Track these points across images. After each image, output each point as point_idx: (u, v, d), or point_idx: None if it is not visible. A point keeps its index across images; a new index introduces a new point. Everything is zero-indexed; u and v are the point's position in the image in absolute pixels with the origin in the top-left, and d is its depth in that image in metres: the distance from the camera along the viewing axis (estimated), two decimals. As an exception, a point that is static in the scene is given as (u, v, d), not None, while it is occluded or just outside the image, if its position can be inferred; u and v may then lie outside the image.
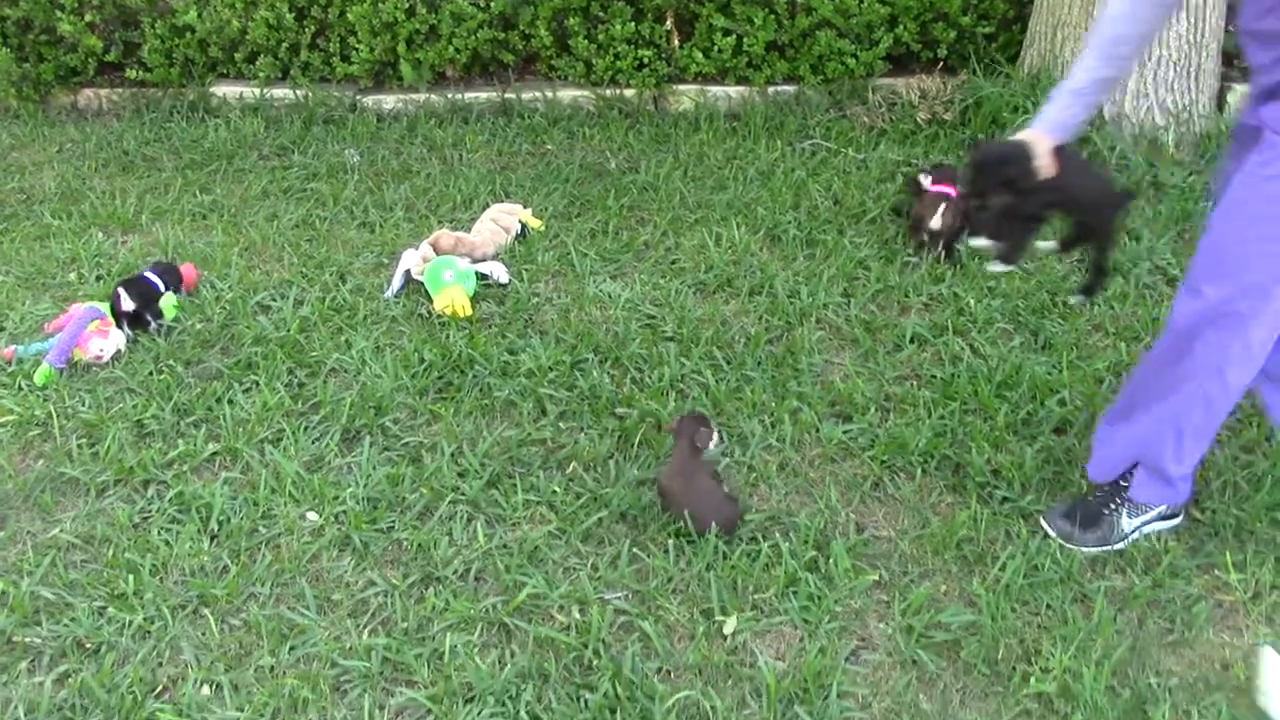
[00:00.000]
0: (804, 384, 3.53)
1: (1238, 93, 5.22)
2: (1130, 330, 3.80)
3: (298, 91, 6.04)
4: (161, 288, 3.91)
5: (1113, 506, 2.94)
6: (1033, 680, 2.52)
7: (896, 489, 3.13)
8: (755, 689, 2.53)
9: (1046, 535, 2.92)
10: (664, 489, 2.96)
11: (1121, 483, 2.96)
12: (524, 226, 4.48)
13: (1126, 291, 4.02)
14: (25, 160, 5.58)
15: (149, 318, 3.82)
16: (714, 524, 2.88)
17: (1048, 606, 2.72)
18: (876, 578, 2.83)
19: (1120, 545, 2.92)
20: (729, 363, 3.64)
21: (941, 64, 5.73)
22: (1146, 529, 2.96)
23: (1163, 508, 2.95)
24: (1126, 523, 2.93)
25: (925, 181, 4.41)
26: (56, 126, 6.05)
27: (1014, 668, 2.57)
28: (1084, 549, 2.90)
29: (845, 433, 3.32)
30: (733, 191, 4.87)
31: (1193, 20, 4.93)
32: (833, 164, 5.13)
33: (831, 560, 2.85)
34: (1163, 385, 2.74)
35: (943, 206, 4.17)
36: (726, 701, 2.49)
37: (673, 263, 4.30)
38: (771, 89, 5.78)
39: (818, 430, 3.34)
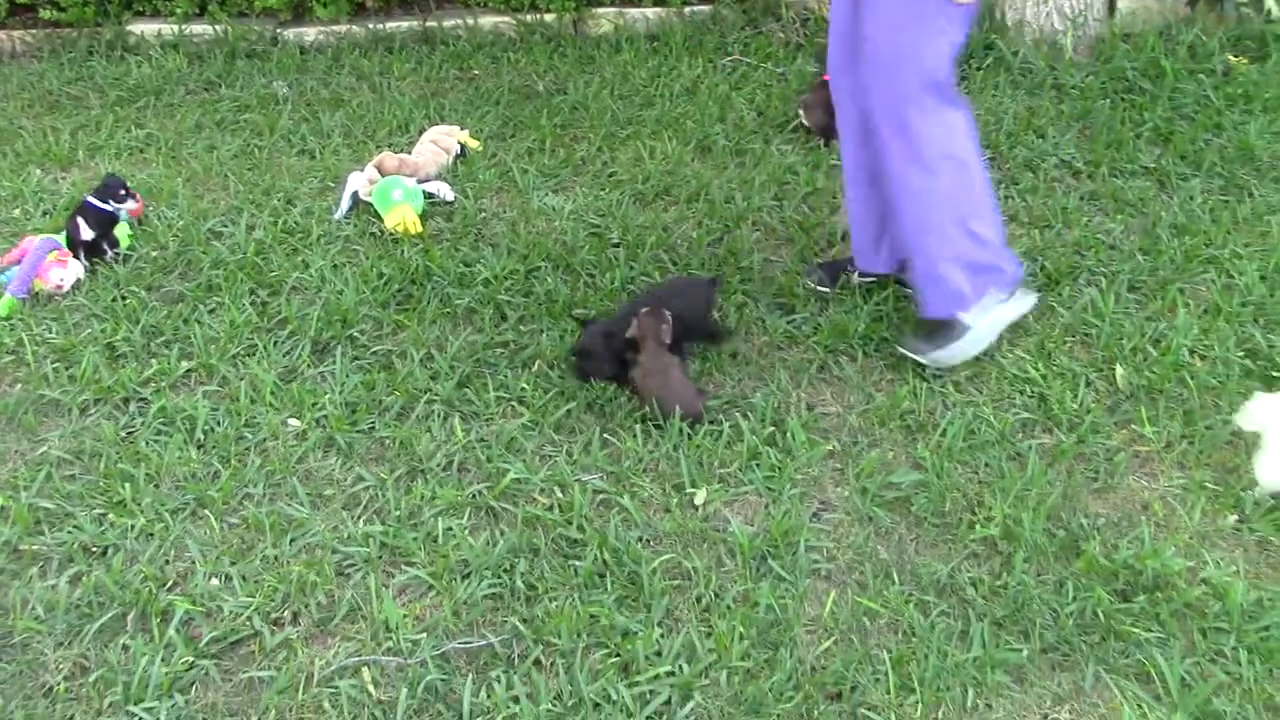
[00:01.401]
0: (747, 281, 3.75)
1: (1130, -2, 5.52)
2: (1042, 219, 4.08)
3: (217, 27, 6.04)
4: (116, 213, 3.98)
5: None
6: (978, 527, 2.79)
7: (841, 370, 3.37)
8: (730, 550, 2.76)
9: (974, 403, 3.19)
10: (640, 388, 3.15)
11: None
12: (463, 147, 4.61)
13: (1036, 185, 4.30)
14: (-53, 104, 5.53)
15: (106, 246, 3.89)
16: (679, 409, 3.10)
17: (986, 464, 2.99)
18: (830, 448, 3.07)
19: (973, 340, 3.32)
20: (674, 265, 3.85)
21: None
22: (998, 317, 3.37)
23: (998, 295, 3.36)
24: (969, 319, 3.32)
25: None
26: (-29, 70, 5.98)
27: (960, 518, 2.83)
28: (937, 355, 3.31)
29: (789, 322, 3.55)
30: (660, 108, 5.05)
31: (1087, -72, 5.20)
32: (753, 78, 5.33)
33: (788, 435, 3.08)
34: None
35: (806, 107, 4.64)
36: (706, 561, 2.72)
37: (610, 175, 4.48)
38: (688, 9, 5.93)
39: (764, 322, 3.56)
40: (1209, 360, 3.35)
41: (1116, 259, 3.83)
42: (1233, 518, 2.84)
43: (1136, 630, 2.50)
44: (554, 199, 4.29)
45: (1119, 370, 3.30)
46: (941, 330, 3.31)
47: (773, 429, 3.12)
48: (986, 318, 3.33)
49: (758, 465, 3.00)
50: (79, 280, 3.81)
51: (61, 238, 3.86)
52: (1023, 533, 2.75)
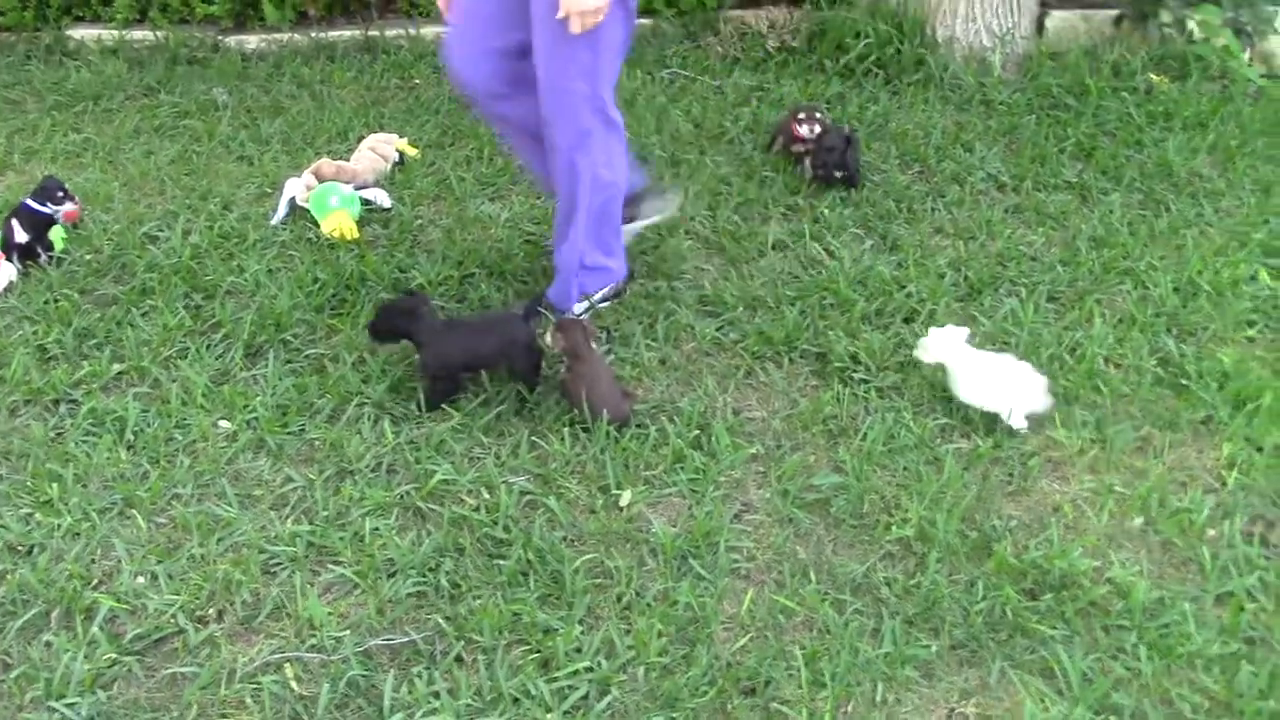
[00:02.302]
0: (677, 288, 3.83)
1: (1055, 18, 5.67)
2: (968, 231, 4.19)
3: (157, 33, 6.03)
4: (53, 216, 3.99)
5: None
6: (893, 528, 2.87)
7: (767, 376, 3.44)
8: (652, 550, 2.82)
9: (895, 409, 3.28)
10: (570, 391, 3.21)
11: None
12: (401, 155, 4.65)
13: (963, 198, 4.42)
14: (-121, 106, 5.48)
15: (39, 249, 3.90)
16: (605, 413, 3.15)
17: (904, 468, 3.08)
18: (754, 451, 3.14)
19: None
20: (607, 272, 3.91)
21: (788, -4, 6.06)
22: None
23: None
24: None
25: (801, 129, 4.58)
26: (-93, 72, 5.93)
27: (877, 519, 2.91)
28: None
29: (717, 329, 3.63)
30: (598, 118, 5.11)
31: (1015, -51, 5.35)
32: (691, 90, 5.41)
33: (713, 438, 3.15)
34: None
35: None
36: (628, 561, 2.78)
37: (527, 185, 4.55)
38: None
39: (693, 328, 3.63)
40: (1123, 368, 3.46)
41: (1037, 270, 3.95)
42: (1139, 520, 2.94)
43: (1042, 628, 2.59)
44: (490, 207, 4.34)
45: (1036, 377, 3.40)
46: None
47: (698, 432, 3.18)
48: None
49: (682, 468, 3.06)
50: (11, 283, 3.80)
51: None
52: (937, 534, 2.83)
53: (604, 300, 3.70)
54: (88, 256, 3.99)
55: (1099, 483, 3.05)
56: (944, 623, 2.61)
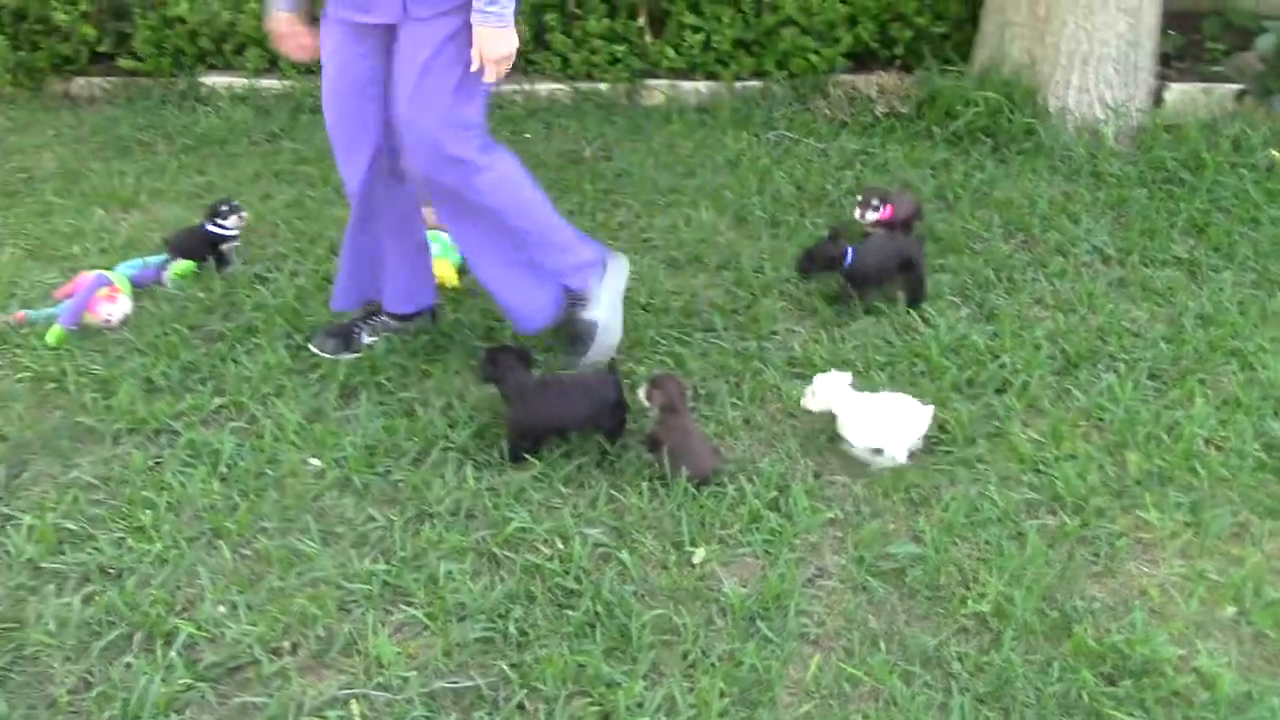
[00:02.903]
0: (766, 348, 3.83)
1: (1175, 90, 5.57)
2: (1068, 303, 4.12)
3: (285, 82, 6.28)
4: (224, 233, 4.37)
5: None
6: (970, 602, 2.81)
7: (851, 441, 3.42)
8: (721, 609, 2.81)
9: (980, 480, 3.22)
10: (657, 443, 3.23)
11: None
12: (506, 206, 4.75)
13: (1065, 269, 4.35)
14: (24, 143, 5.78)
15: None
16: (685, 469, 3.16)
17: (985, 542, 3.02)
18: (832, 516, 3.11)
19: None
20: (698, 329, 3.93)
21: (899, 61, 6.06)
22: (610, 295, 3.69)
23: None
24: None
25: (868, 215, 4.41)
26: (51, 112, 6.25)
27: (953, 592, 2.86)
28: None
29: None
30: (702, 178, 5.18)
31: (1132, 20, 5.27)
32: (795, 153, 5.45)
33: (791, 500, 3.14)
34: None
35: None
36: (696, 619, 2.77)
37: (645, 240, 4.60)
38: (739, 84, 6.09)
39: (779, 389, 3.63)
40: (1224, 451, 3.36)
41: (1139, 346, 3.86)
42: (1231, 609, 2.83)
43: (1119, 714, 2.51)
44: (588, 261, 4.40)
45: (1130, 456, 3.32)
46: (579, 337, 3.68)
47: (776, 494, 3.17)
48: (602, 306, 3.68)
49: (757, 528, 3.05)
50: (126, 316, 3.97)
51: (114, 275, 4.03)
52: (1015, 610, 2.76)
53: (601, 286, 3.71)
54: (200, 294, 4.15)
55: (1190, 568, 2.95)
56: (1015, 702, 2.55)
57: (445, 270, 4.17)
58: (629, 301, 4.08)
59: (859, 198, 4.44)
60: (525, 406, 3.30)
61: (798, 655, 2.69)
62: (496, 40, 3.15)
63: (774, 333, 3.92)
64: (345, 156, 3.49)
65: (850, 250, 3.98)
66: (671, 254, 4.46)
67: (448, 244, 4.26)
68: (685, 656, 2.67)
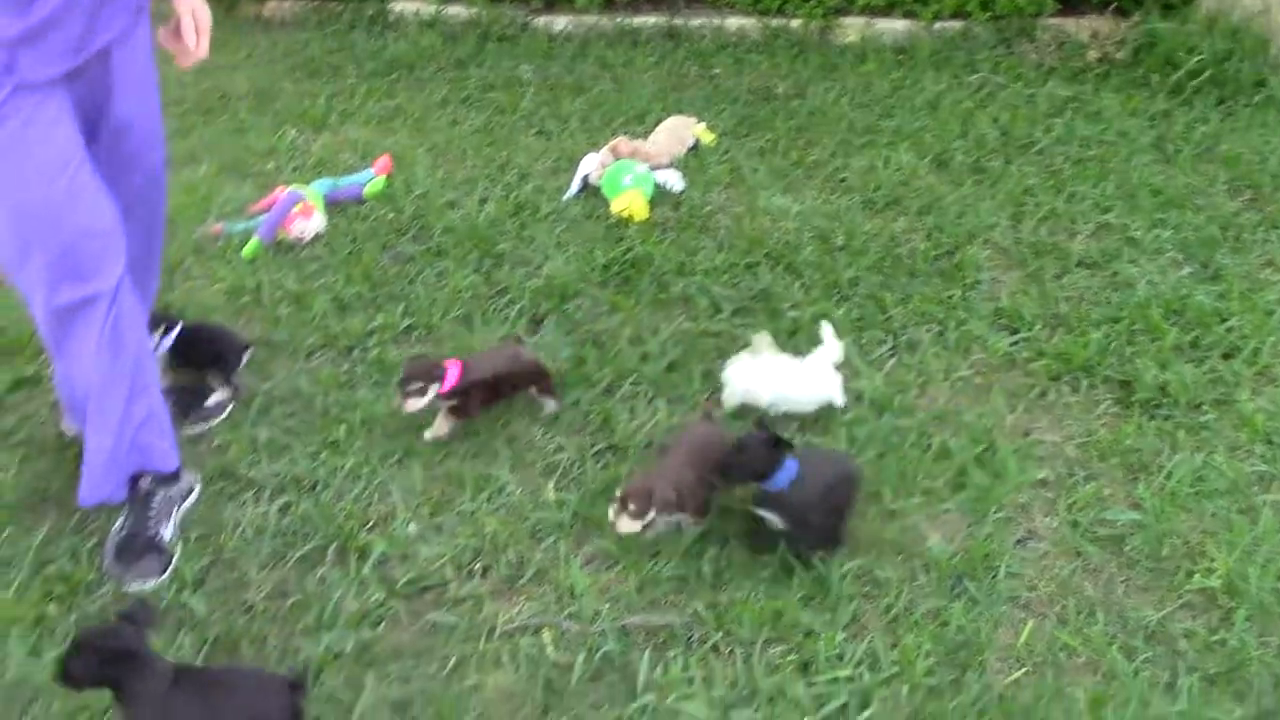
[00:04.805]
0: (970, 298, 3.63)
1: None
2: (1304, 266, 3.82)
3: (472, 10, 6.25)
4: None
5: (149, 522, 2.71)
6: (1196, 577, 2.61)
7: (1062, 399, 3.21)
8: (925, 565, 2.66)
9: (1206, 448, 2.99)
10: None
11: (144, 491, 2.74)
12: (697, 140, 4.63)
13: (1303, 231, 4.03)
14: (219, 63, 5.86)
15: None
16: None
17: (1212, 514, 2.80)
18: (1043, 476, 2.93)
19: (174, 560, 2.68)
20: (897, 274, 3.76)
21: (1113, 5, 5.69)
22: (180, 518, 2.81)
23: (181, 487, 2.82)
24: (169, 530, 2.74)
25: None
26: (245, 34, 6.35)
27: (1178, 565, 2.65)
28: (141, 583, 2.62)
29: (1011, 344, 3.42)
30: (900, 119, 4.96)
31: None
32: (1000, 98, 5.17)
33: (998, 458, 2.96)
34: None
35: None
36: (899, 573, 2.63)
37: (841, 181, 4.42)
38: (938, 24, 5.82)
39: (984, 340, 3.43)
40: None
41: (1383, 312, 3.54)
42: None
43: (1367, 708, 2.30)
44: (782, 199, 4.25)
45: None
46: (149, 548, 2.67)
47: (983, 449, 3.00)
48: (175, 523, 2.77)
49: (963, 484, 2.88)
50: (320, 233, 3.98)
51: (308, 192, 4.04)
52: (1248, 589, 2.55)
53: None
54: (390, 215, 4.13)
55: None
56: (1251, 688, 2.35)
57: (636, 201, 4.07)
58: (825, 240, 3.93)
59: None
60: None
61: (1008, 619, 2.53)
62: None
63: (978, 282, 3.72)
64: None
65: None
66: (869, 196, 4.28)
67: (642, 175, 4.15)
68: (888, 611, 2.53)
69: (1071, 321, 3.51)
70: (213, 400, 3.15)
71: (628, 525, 2.62)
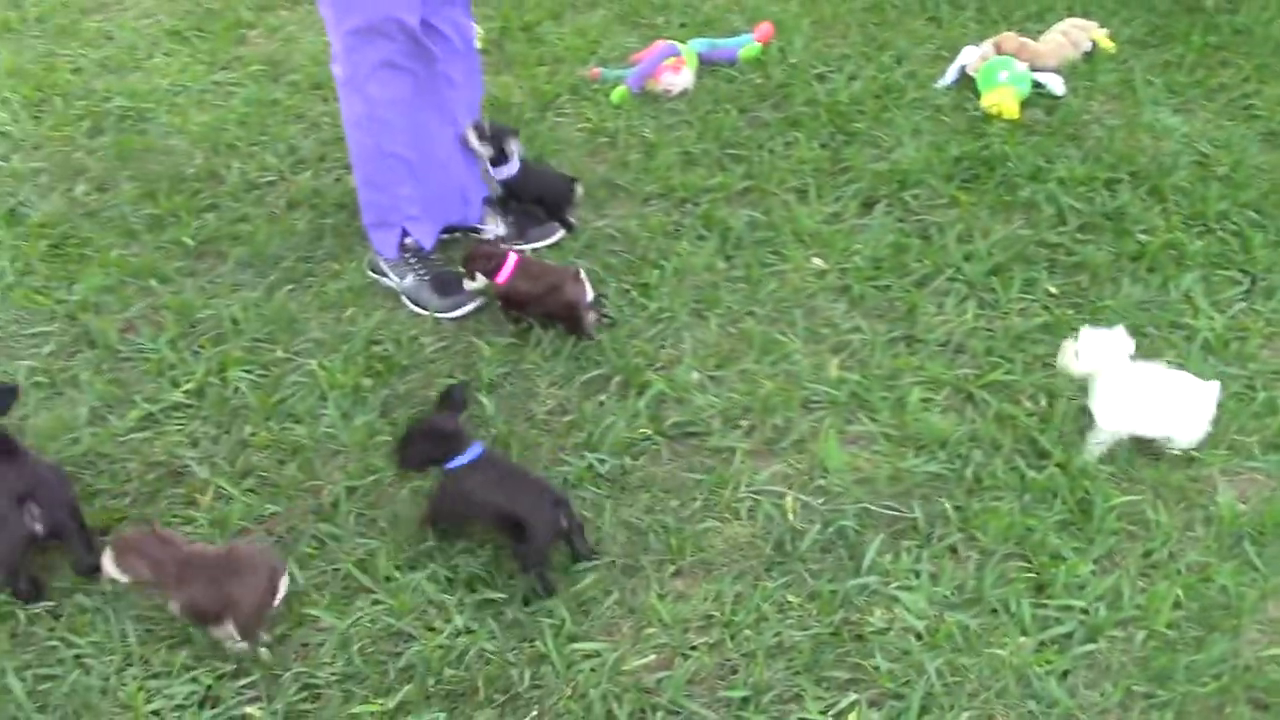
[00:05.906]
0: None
1: None
2: None
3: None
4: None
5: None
6: None
7: None
8: (1206, 518, 2.49)
9: None
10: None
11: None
12: (1094, 45, 4.33)
13: None
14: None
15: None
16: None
17: None
18: (1384, 453, 2.64)
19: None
20: (1277, 214, 3.42)
21: None
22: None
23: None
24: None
25: None
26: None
27: None
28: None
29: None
30: (1339, 49, 4.42)
31: None
32: None
33: (1334, 423, 2.69)
34: None
35: None
36: (1173, 520, 2.47)
37: (1246, 108, 4.02)
38: None
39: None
40: None
41: None
42: None
43: None
44: (1172, 119, 3.92)
45: None
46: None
47: (1317, 412, 2.73)
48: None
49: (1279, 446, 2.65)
50: (686, 90, 4.09)
51: (684, 48, 4.14)
52: None
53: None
54: (758, 80, 4.18)
55: None
56: None
57: (1008, 100, 3.88)
58: (1204, 167, 3.62)
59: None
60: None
61: (1284, 594, 2.34)
62: None
63: (1373, 237, 3.32)
64: None
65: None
66: (1273, 127, 3.87)
67: (1020, 74, 3.95)
68: (1147, 554, 2.41)
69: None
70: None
71: None
